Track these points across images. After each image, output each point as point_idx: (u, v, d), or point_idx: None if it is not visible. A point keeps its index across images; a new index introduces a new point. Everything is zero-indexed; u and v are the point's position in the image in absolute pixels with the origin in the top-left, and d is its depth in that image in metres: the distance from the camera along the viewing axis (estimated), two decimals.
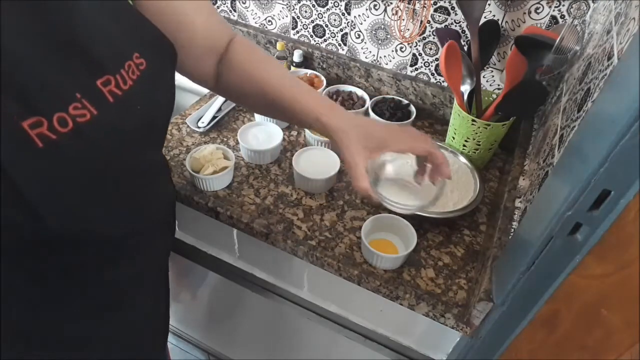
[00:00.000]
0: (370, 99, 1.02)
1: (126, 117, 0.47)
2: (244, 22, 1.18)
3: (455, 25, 0.95)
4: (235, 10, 1.17)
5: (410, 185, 0.62)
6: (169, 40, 0.54)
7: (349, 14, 1.04)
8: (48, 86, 0.40)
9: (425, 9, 0.93)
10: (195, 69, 0.66)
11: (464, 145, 0.90)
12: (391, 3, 0.98)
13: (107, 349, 0.62)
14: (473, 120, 0.85)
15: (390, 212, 0.76)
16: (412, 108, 1.01)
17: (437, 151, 0.59)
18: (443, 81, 1.04)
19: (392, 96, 1.04)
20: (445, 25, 0.95)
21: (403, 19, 0.97)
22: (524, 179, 0.80)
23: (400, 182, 0.62)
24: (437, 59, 1.01)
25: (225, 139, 0.95)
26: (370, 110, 0.98)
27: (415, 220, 0.76)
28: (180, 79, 0.62)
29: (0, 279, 0.45)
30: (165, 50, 0.54)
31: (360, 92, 1.04)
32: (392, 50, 1.04)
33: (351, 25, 1.05)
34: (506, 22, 0.91)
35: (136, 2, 0.54)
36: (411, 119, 0.98)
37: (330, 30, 1.09)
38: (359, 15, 1.03)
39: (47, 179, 0.41)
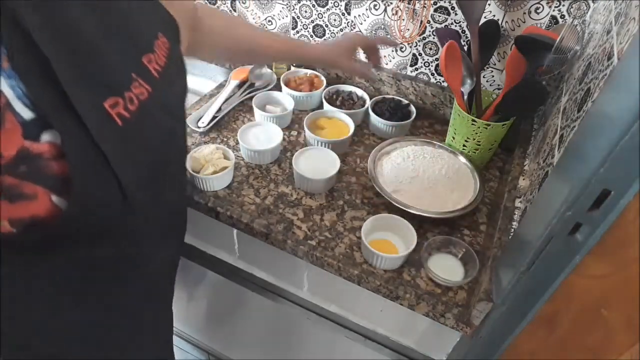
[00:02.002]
0: (370, 99, 1.02)
1: (169, 93, 0.50)
2: None
3: (455, 25, 0.95)
4: (235, 11, 1.17)
5: (449, 258, 0.75)
6: (172, 17, 0.54)
7: (349, 14, 1.04)
8: (116, 68, 0.42)
9: (425, 9, 0.93)
10: None
11: (464, 145, 0.90)
12: (391, 3, 0.98)
13: (121, 349, 0.60)
14: (473, 120, 0.85)
15: (391, 212, 0.77)
16: (412, 108, 1.01)
17: (370, 41, 0.86)
18: (443, 81, 1.04)
19: (392, 96, 1.04)
20: (445, 25, 0.95)
21: (403, 19, 0.97)
22: (524, 179, 0.80)
23: (442, 257, 0.76)
24: (437, 59, 1.01)
25: (225, 139, 0.95)
26: (370, 111, 0.98)
27: (415, 220, 0.76)
28: None
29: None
30: (175, 28, 0.55)
31: (360, 92, 1.04)
32: (392, 50, 1.04)
33: (351, 25, 1.05)
34: (506, 22, 0.91)
35: None
36: (411, 119, 0.98)
37: (330, 30, 1.09)
38: (359, 15, 1.03)
39: (129, 157, 0.43)
